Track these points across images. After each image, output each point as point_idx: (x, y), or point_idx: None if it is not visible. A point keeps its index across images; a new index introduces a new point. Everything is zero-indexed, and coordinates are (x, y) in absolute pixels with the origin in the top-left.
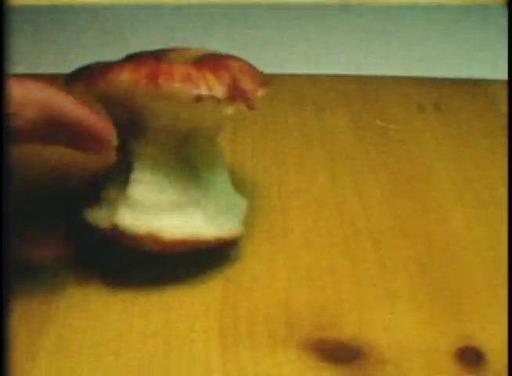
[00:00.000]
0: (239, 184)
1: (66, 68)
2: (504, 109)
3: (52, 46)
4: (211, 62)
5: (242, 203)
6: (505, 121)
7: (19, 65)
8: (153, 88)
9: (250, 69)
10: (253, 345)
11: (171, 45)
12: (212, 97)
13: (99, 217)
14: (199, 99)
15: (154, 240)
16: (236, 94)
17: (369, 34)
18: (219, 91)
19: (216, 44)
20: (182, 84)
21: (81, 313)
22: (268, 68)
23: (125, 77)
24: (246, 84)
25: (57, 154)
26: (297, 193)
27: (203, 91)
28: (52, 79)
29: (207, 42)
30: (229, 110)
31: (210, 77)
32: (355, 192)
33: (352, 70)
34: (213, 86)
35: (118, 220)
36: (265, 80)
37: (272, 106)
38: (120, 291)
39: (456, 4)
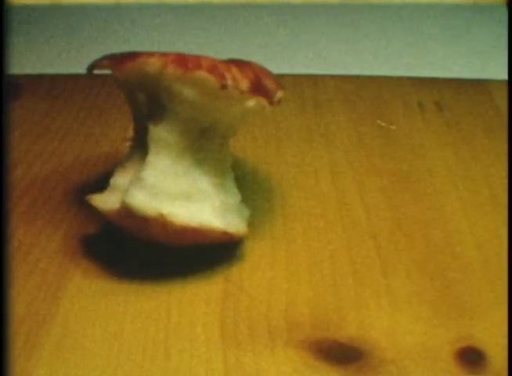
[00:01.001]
0: (240, 184)
1: (67, 68)
2: (504, 109)
3: (52, 46)
4: (235, 61)
5: (246, 211)
6: (505, 121)
7: (19, 65)
8: (181, 73)
9: (270, 73)
10: (253, 344)
11: (172, 44)
12: (237, 87)
13: (107, 200)
14: (224, 87)
15: (163, 223)
16: (258, 88)
17: (369, 34)
18: (243, 83)
19: (216, 44)
20: (208, 71)
21: (81, 313)
22: (268, 68)
23: (154, 60)
24: (268, 83)
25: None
26: (298, 193)
27: (229, 80)
28: (51, 79)
29: (207, 42)
30: (251, 103)
31: (235, 70)
32: (356, 191)
33: (353, 70)
34: (238, 78)
35: (129, 200)
36: (282, 85)
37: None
38: (120, 290)
39: (456, 4)
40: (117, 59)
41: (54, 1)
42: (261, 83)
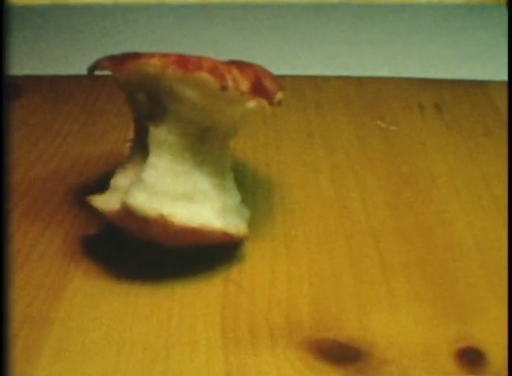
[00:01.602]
0: (240, 185)
1: (67, 69)
2: (504, 109)
3: (52, 46)
4: (236, 62)
5: (246, 212)
6: (505, 122)
7: (19, 66)
8: (181, 74)
9: (271, 74)
10: (254, 345)
11: (172, 45)
12: (237, 88)
13: (107, 201)
14: (224, 88)
15: (163, 224)
16: (259, 89)
17: (370, 35)
18: (244, 84)
19: (217, 45)
20: (209, 73)
21: (81, 313)
22: (269, 69)
23: (155, 61)
24: (268, 84)
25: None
26: (298, 193)
27: (229, 82)
28: (52, 80)
29: (207, 42)
30: (251, 104)
31: (235, 71)
32: (356, 192)
33: (353, 71)
34: (238, 79)
35: (129, 200)
36: (283, 86)
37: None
38: (121, 291)
39: (456, 4)
40: (117, 60)
41: (54, 1)
42: (261, 84)
